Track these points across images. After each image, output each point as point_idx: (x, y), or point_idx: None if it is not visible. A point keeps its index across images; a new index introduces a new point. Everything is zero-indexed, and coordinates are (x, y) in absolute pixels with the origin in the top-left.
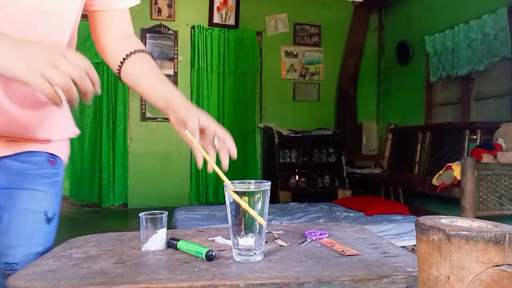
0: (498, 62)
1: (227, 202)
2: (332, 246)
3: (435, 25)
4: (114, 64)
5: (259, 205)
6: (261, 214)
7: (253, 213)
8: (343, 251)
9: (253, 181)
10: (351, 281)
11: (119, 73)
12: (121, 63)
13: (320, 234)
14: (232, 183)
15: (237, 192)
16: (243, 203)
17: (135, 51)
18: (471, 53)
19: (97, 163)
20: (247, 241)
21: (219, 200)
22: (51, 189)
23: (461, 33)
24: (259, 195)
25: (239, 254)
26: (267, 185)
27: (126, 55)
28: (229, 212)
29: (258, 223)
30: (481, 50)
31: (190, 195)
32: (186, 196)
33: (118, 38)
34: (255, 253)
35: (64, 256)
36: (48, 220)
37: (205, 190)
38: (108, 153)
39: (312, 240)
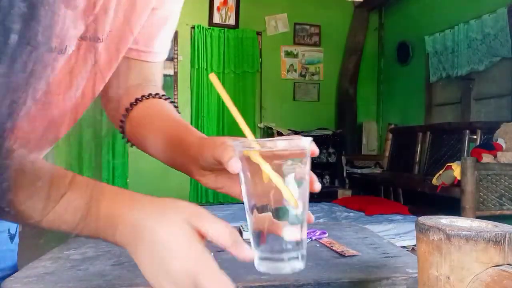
0: (498, 62)
1: (244, 179)
2: (332, 246)
3: (435, 25)
4: (116, 119)
5: (292, 178)
6: (300, 195)
7: (286, 193)
8: (342, 251)
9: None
10: (350, 283)
11: (123, 129)
12: (124, 115)
13: (319, 234)
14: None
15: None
16: (275, 175)
17: (143, 97)
18: (471, 53)
19: (97, 163)
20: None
21: (219, 200)
22: None
23: (461, 33)
24: (298, 160)
25: (266, 259)
26: (307, 142)
27: (131, 104)
28: (249, 193)
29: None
30: (481, 50)
31: (190, 195)
32: (186, 196)
33: (132, 87)
34: (293, 257)
35: (62, 257)
36: (12, 238)
37: (204, 190)
38: (108, 153)
39: (311, 239)
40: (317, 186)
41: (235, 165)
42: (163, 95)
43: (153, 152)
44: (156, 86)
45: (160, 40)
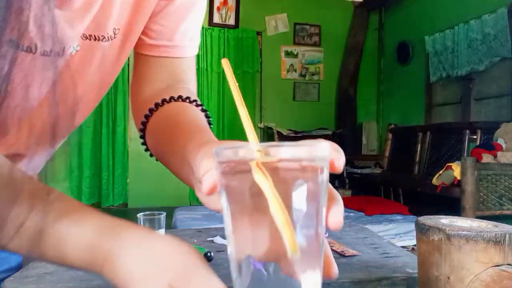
0: (498, 62)
1: (224, 202)
2: (332, 246)
3: (435, 25)
4: (138, 127)
5: (302, 202)
6: (306, 232)
7: (282, 227)
8: (342, 251)
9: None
10: (351, 283)
11: (144, 140)
12: (143, 123)
13: None
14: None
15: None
16: (273, 200)
17: (164, 101)
18: (471, 53)
19: (97, 163)
20: None
21: None
22: None
23: (461, 33)
24: (310, 177)
25: None
26: (323, 149)
27: (150, 110)
28: (228, 223)
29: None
30: (481, 50)
31: (190, 195)
32: (186, 196)
33: (159, 91)
34: None
35: None
36: None
37: None
38: (108, 153)
39: None
40: (334, 220)
41: (206, 183)
42: (187, 98)
43: (164, 163)
44: (188, 87)
45: (185, 31)
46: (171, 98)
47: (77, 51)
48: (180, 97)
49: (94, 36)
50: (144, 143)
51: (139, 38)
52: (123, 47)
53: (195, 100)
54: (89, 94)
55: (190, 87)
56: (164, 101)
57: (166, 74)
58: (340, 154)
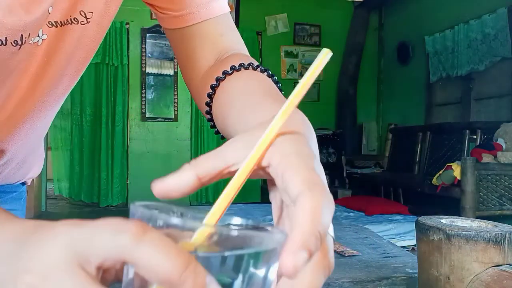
0: (498, 62)
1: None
2: None
3: (435, 25)
4: (202, 107)
5: None
6: None
7: None
8: (342, 251)
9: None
10: (351, 283)
11: (211, 119)
12: (207, 112)
13: None
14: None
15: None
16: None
17: (218, 80)
18: (471, 53)
19: (96, 163)
20: None
21: None
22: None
23: (461, 33)
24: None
25: None
26: (275, 241)
27: (209, 95)
28: None
29: None
30: (481, 50)
31: (190, 195)
32: (186, 196)
33: (210, 71)
34: None
35: None
36: None
37: (205, 190)
38: (107, 152)
39: None
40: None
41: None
42: (240, 65)
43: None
44: (236, 53)
45: None
46: (224, 72)
47: (43, 40)
48: (241, 65)
49: (60, 22)
50: (210, 120)
51: (165, 14)
52: (98, 29)
53: (259, 65)
54: (61, 80)
55: (239, 49)
56: (218, 79)
57: (208, 47)
58: (302, 246)
